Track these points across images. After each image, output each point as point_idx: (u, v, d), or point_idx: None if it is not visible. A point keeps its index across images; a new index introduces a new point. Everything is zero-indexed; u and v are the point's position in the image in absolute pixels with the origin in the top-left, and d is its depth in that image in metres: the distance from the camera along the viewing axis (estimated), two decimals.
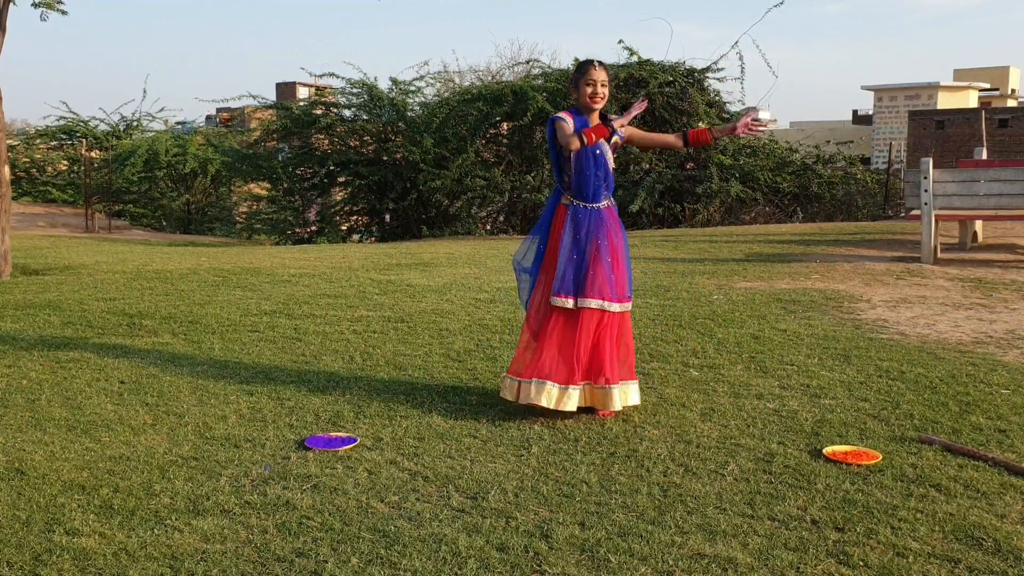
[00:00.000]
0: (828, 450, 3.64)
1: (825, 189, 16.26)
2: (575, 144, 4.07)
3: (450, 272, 8.91)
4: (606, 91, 4.19)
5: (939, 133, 27.08)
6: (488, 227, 16.68)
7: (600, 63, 4.21)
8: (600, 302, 4.13)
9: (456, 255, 10.60)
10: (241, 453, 3.70)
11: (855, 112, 50.44)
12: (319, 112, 16.98)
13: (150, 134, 23.70)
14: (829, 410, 4.20)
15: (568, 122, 4.16)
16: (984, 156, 12.29)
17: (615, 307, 4.18)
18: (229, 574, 2.69)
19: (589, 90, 4.16)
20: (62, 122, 23.84)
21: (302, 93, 33.30)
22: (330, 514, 3.10)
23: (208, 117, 40.15)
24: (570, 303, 4.13)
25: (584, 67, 4.20)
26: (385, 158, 16.22)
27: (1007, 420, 4.03)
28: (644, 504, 3.17)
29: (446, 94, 17.09)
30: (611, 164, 4.28)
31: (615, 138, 4.28)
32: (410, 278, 8.46)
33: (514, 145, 15.76)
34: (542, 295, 4.22)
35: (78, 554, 2.80)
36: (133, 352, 5.49)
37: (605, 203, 4.25)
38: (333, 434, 3.91)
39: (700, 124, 15.27)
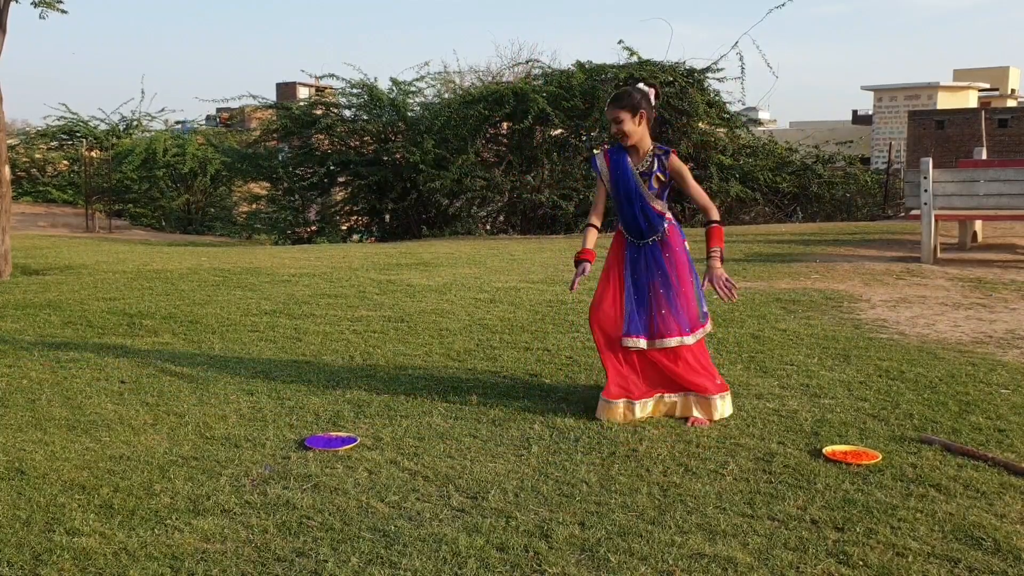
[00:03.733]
0: (828, 450, 3.64)
1: (825, 189, 16.28)
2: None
3: (450, 272, 8.91)
4: (628, 129, 4.03)
5: (939, 133, 27.09)
6: (488, 227, 16.69)
7: (615, 100, 4.07)
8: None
9: (456, 255, 10.60)
10: (241, 453, 3.70)
11: (855, 112, 50.42)
12: (319, 112, 17.01)
13: (150, 133, 23.69)
14: (829, 410, 4.20)
15: (599, 160, 4.21)
16: (984, 156, 12.28)
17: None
18: (229, 574, 2.70)
19: (613, 128, 4.12)
20: (62, 122, 23.83)
21: (302, 93, 33.30)
22: (330, 514, 3.10)
23: (208, 117, 40.12)
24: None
25: (607, 106, 4.15)
26: (385, 158, 16.23)
27: (1007, 420, 4.04)
28: (644, 504, 3.17)
29: (446, 95, 17.10)
30: (648, 200, 4.18)
31: (656, 172, 4.13)
32: (410, 278, 8.46)
33: (514, 145, 15.76)
34: None
35: (78, 554, 2.81)
36: (133, 352, 5.50)
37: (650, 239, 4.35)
38: (333, 434, 3.92)
39: (700, 124, 15.28)
